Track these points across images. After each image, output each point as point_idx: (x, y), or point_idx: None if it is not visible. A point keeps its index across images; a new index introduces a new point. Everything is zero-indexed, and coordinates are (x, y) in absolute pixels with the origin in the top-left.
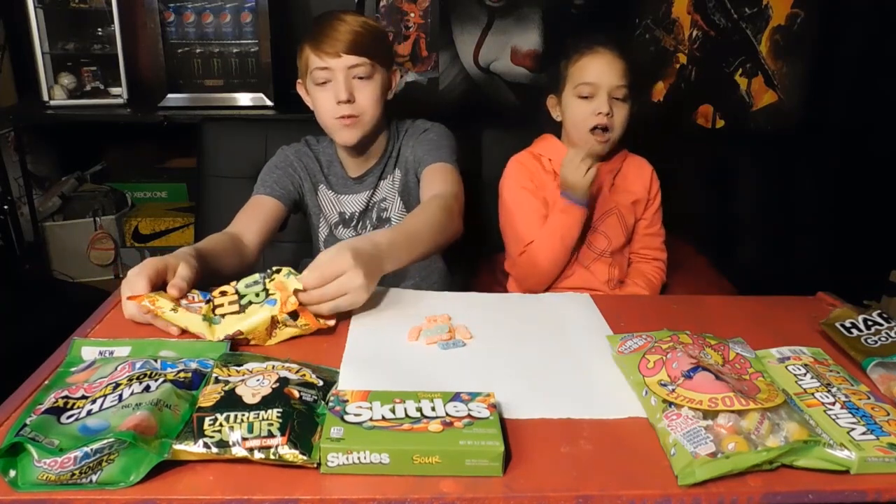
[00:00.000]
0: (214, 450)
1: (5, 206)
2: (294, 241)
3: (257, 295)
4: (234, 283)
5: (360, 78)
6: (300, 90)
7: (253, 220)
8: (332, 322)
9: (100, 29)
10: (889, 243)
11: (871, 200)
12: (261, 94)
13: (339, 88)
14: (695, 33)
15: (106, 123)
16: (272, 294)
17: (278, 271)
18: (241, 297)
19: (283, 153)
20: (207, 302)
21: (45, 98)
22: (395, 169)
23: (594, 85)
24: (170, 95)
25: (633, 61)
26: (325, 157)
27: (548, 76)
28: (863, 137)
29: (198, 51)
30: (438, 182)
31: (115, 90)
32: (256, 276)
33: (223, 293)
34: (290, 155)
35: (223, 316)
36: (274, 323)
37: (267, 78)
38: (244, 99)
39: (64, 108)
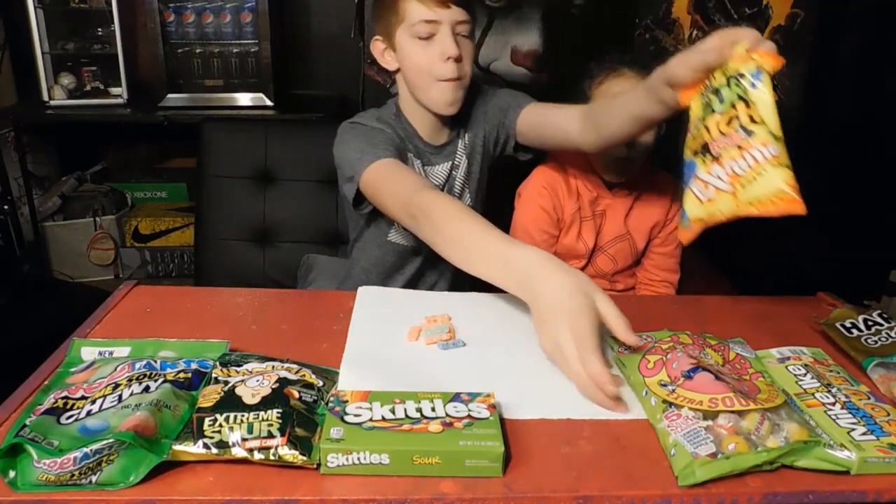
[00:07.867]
0: (214, 450)
1: (5, 206)
2: (295, 241)
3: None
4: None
5: (463, 36)
6: (375, 50)
7: (409, 173)
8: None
9: (100, 29)
10: (889, 243)
11: (870, 200)
12: (261, 94)
13: (447, 43)
14: (695, 33)
15: (106, 123)
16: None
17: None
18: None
19: (359, 127)
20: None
21: (45, 98)
22: (465, 133)
23: None
24: (170, 95)
25: None
26: (402, 132)
27: (575, 92)
28: (863, 137)
29: (198, 51)
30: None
31: (115, 90)
32: None
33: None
34: (371, 122)
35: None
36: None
37: (267, 78)
38: (244, 99)
39: (64, 108)
